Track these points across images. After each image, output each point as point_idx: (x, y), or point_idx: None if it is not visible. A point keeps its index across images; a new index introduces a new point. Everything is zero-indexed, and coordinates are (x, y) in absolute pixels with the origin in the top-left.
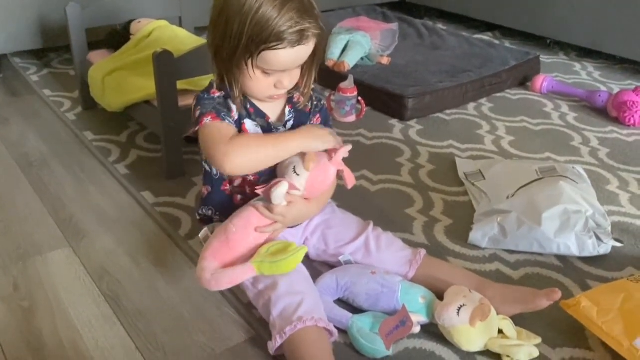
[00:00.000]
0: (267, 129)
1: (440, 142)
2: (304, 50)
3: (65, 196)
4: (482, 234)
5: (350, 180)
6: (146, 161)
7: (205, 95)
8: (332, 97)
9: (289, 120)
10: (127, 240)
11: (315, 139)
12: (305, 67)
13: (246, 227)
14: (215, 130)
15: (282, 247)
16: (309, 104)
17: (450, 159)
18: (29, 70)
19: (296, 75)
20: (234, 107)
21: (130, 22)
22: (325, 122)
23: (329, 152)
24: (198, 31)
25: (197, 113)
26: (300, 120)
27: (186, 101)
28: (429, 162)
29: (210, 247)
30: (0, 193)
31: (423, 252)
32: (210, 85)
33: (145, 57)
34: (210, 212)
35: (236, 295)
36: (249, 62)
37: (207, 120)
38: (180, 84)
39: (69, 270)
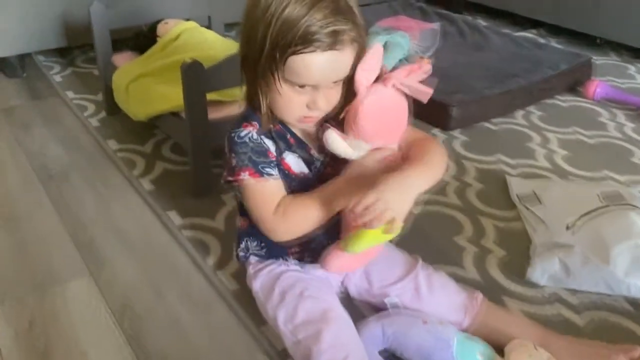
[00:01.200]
0: (309, 160)
1: (488, 156)
2: (339, 59)
3: (85, 215)
4: (541, 271)
5: (421, 95)
6: (172, 175)
7: (237, 138)
8: None
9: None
10: (151, 269)
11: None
12: (345, 88)
13: None
14: (257, 194)
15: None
16: None
17: (500, 176)
18: (53, 69)
19: (334, 96)
20: (269, 145)
21: (157, 22)
22: None
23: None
24: (227, 27)
25: (233, 162)
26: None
27: (216, 113)
28: (476, 180)
29: None
30: (18, 208)
31: (480, 296)
32: (241, 118)
33: (171, 63)
34: (255, 243)
35: (270, 341)
36: (275, 72)
37: (245, 176)
38: (210, 95)
39: (89, 304)
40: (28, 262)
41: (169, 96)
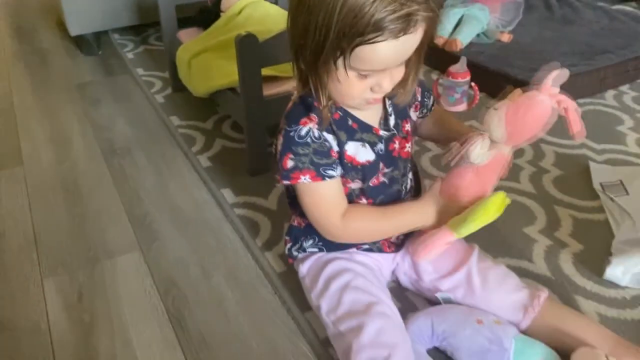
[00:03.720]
0: (374, 142)
1: (570, 140)
2: (411, 41)
3: (143, 190)
4: (623, 270)
5: (575, 124)
6: (230, 152)
7: (297, 137)
8: (440, 81)
9: (390, 116)
10: (201, 247)
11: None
12: (412, 62)
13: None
14: (318, 197)
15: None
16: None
17: (583, 162)
18: (126, 47)
19: (399, 73)
20: (331, 141)
21: None
22: (422, 86)
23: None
24: None
25: (289, 163)
26: (398, 110)
27: (273, 89)
28: (555, 166)
29: None
30: (80, 181)
31: (544, 294)
32: (297, 112)
33: (231, 38)
34: (311, 242)
35: (313, 328)
36: (339, 62)
37: (306, 180)
38: (266, 70)
39: (136, 279)
40: (83, 235)
41: (228, 72)
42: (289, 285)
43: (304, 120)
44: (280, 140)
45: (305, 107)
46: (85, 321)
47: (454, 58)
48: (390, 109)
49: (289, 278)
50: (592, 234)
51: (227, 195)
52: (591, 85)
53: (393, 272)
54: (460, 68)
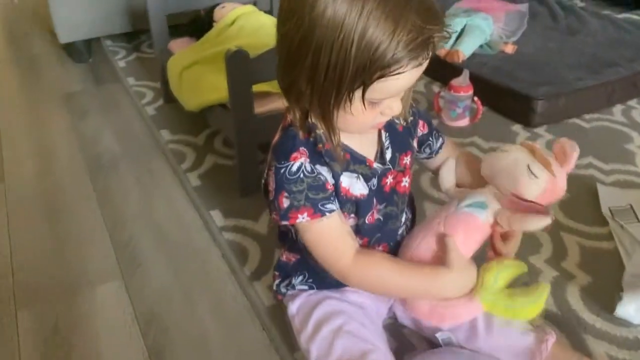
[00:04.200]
0: (369, 175)
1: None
2: (425, 64)
3: (128, 210)
4: (635, 307)
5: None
6: (221, 169)
7: (289, 174)
8: (442, 94)
9: (387, 149)
10: (186, 273)
11: (462, 288)
12: None
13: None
14: (321, 236)
15: (512, 275)
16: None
17: (590, 184)
18: (118, 54)
19: (408, 95)
20: (325, 174)
21: (214, 7)
22: (430, 125)
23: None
24: None
25: (285, 203)
26: (397, 143)
27: (265, 106)
28: None
29: None
30: (64, 201)
31: (552, 339)
32: (286, 145)
33: (224, 50)
34: (301, 278)
35: None
36: (354, 95)
37: (304, 219)
38: (258, 86)
39: (117, 311)
40: (63, 260)
41: (219, 86)
42: (277, 320)
43: (294, 155)
44: (272, 177)
45: (296, 140)
46: (60, 357)
47: (455, 69)
48: (387, 142)
49: (278, 312)
50: (601, 264)
51: (216, 217)
52: (598, 100)
53: (390, 309)
54: (462, 82)
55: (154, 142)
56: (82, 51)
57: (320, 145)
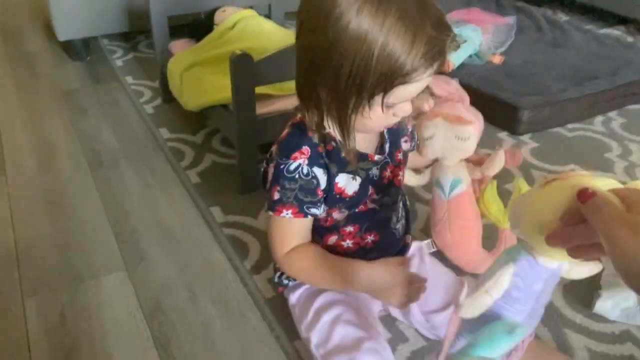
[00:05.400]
0: (370, 167)
1: (559, 165)
2: (439, 69)
3: (130, 206)
4: (612, 304)
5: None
6: (220, 168)
7: (286, 172)
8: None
9: (386, 143)
10: (188, 267)
11: (384, 292)
12: None
13: None
14: (285, 229)
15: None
16: None
17: None
18: (115, 53)
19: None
20: (320, 177)
21: (215, 10)
22: (413, 140)
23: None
24: (288, 16)
25: (275, 195)
26: (393, 139)
27: (266, 108)
28: None
29: None
30: (66, 195)
31: (530, 337)
32: (290, 143)
33: (225, 53)
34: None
35: (302, 358)
36: (373, 100)
37: (287, 215)
38: (260, 89)
39: (121, 301)
40: (67, 252)
41: (220, 87)
42: (277, 311)
43: (295, 154)
44: (272, 170)
45: (301, 138)
46: (67, 345)
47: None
48: (387, 137)
49: (277, 304)
50: None
51: (216, 213)
52: (580, 111)
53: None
54: None
55: (153, 140)
56: (79, 49)
57: (322, 146)
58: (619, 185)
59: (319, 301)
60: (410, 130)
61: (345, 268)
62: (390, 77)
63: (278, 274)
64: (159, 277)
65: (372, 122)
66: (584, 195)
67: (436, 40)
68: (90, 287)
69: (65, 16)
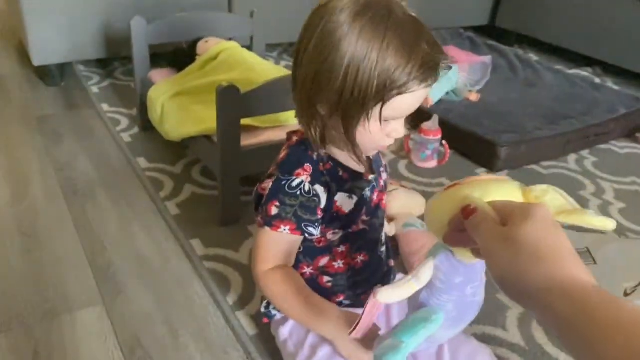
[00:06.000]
0: (364, 187)
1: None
2: (432, 85)
3: (107, 237)
4: None
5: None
6: (200, 200)
7: (288, 188)
8: (412, 137)
9: (373, 165)
10: (168, 302)
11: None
12: None
13: None
14: (270, 245)
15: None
16: None
17: None
18: (91, 80)
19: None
20: (321, 195)
21: (197, 40)
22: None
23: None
24: (269, 48)
25: (273, 211)
26: (377, 165)
27: (250, 140)
28: None
29: None
30: (39, 224)
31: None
32: (292, 161)
33: (208, 84)
34: None
35: None
36: (372, 113)
37: (285, 230)
38: (245, 120)
39: (99, 337)
40: (41, 285)
41: (204, 118)
42: (261, 349)
43: (298, 171)
44: (270, 185)
45: (303, 155)
46: None
47: (424, 114)
48: (374, 159)
49: (261, 342)
50: None
51: (197, 246)
52: (555, 149)
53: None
54: (432, 126)
55: (130, 170)
56: (54, 74)
57: (322, 164)
58: (518, 191)
59: (313, 335)
60: (384, 163)
61: (319, 306)
62: (389, 87)
63: (265, 303)
64: (138, 311)
65: (371, 137)
66: (466, 211)
67: (431, 56)
68: (65, 321)
69: (42, 41)
